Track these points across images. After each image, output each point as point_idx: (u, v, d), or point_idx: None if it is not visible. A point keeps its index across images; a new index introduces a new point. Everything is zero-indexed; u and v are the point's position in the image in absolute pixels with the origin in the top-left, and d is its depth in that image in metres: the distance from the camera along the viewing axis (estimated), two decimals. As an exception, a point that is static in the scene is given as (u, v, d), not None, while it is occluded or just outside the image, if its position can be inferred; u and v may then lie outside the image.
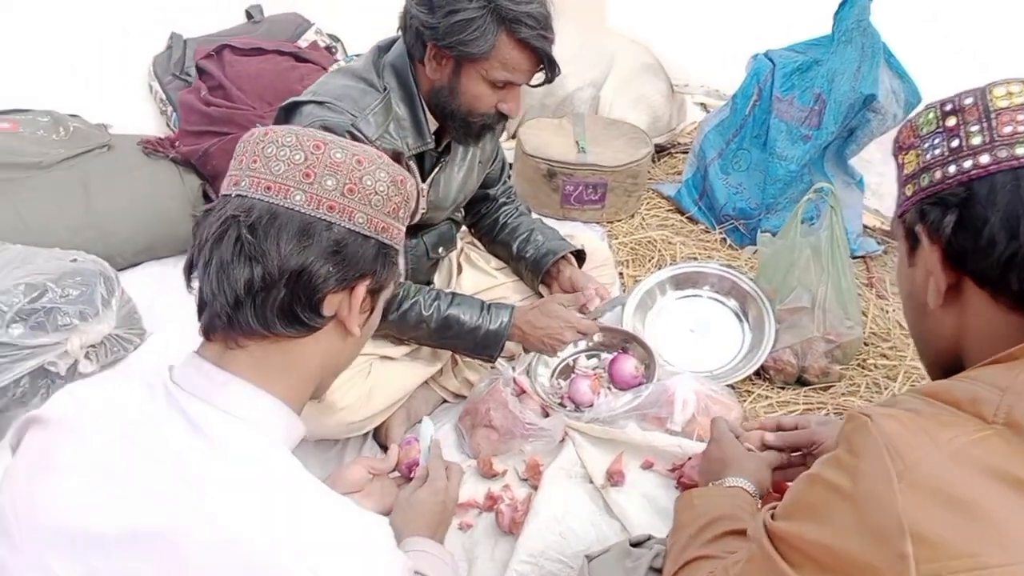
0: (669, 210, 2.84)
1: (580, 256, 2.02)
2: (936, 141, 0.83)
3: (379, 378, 1.75)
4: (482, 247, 2.14)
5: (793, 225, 2.00)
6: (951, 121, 0.82)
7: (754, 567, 0.83)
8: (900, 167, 0.89)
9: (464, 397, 1.95)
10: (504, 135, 3.03)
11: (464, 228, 2.20)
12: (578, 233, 2.26)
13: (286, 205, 0.85)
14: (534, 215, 2.13)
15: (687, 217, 2.78)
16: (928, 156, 0.83)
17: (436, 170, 1.74)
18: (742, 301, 2.12)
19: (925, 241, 0.84)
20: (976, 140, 0.79)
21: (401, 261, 1.00)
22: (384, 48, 1.68)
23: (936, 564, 0.67)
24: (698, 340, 2.09)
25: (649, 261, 2.51)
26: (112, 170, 2.62)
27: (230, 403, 0.84)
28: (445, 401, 2.00)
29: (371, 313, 0.96)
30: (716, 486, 1.25)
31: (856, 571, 0.72)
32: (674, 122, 3.32)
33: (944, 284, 0.83)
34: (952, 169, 0.80)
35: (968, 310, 0.83)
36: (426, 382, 1.93)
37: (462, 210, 2.05)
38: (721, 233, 2.67)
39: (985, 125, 0.79)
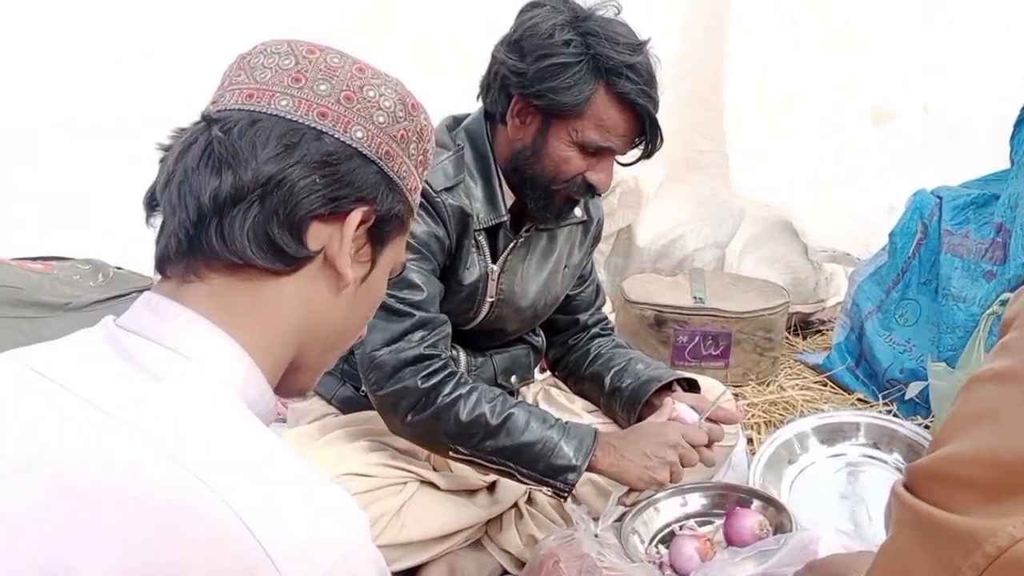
0: (817, 381, 2.73)
1: (691, 390, 1.90)
2: None
3: (416, 502, 1.63)
4: (567, 388, 2.06)
5: (975, 350, 1.87)
6: None
7: (899, 545, 0.67)
8: None
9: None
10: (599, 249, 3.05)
11: (545, 371, 2.16)
12: (693, 376, 2.16)
13: (269, 111, 0.84)
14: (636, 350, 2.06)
15: (840, 387, 2.66)
16: None
17: (509, 252, 1.74)
18: (910, 455, 1.93)
19: None
20: None
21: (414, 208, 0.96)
22: (459, 119, 1.77)
23: None
24: (852, 508, 1.89)
25: (789, 425, 2.36)
26: (146, 316, 2.77)
27: (174, 338, 0.79)
28: (506, 574, 1.83)
29: (372, 267, 0.91)
30: None
31: None
32: (821, 292, 3.27)
33: None
34: None
35: None
36: (479, 540, 1.80)
37: (542, 334, 2.02)
38: (886, 403, 2.51)
39: None
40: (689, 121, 3.65)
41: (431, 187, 1.56)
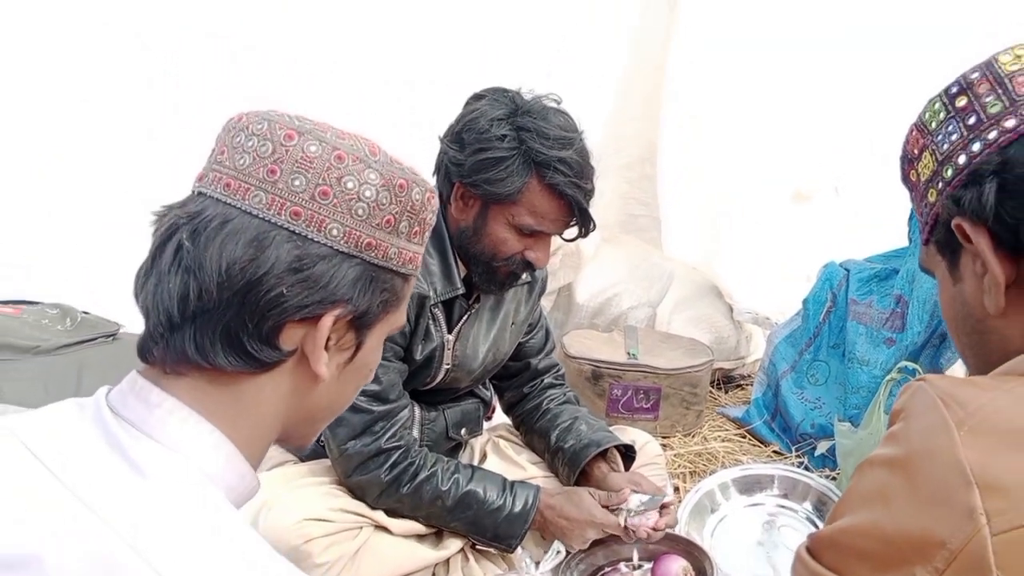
0: (737, 433, 2.79)
1: (628, 457, 1.97)
2: (950, 128, 0.83)
3: (371, 545, 1.66)
4: (518, 438, 2.11)
5: (876, 412, 1.96)
6: (961, 101, 0.82)
7: None
8: (914, 185, 0.88)
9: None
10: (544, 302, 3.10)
11: (492, 419, 2.20)
12: (623, 429, 2.22)
13: (242, 207, 0.79)
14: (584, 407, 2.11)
15: (758, 440, 2.73)
16: (945, 146, 0.83)
17: (463, 321, 1.79)
18: (819, 506, 2.01)
19: (969, 231, 0.80)
20: (995, 108, 0.79)
21: (410, 288, 0.92)
22: None
23: (1014, 515, 0.59)
24: (768, 554, 1.96)
25: (711, 476, 2.43)
26: (111, 360, 2.75)
27: (158, 428, 0.78)
28: (452, 612, 1.86)
29: (356, 351, 0.87)
30: None
31: (914, 553, 0.64)
32: (742, 350, 3.37)
33: (1003, 276, 0.79)
34: (977, 146, 0.79)
35: None
36: (431, 578, 1.83)
37: (491, 387, 2.07)
38: (798, 456, 2.59)
39: (1001, 91, 0.79)
40: (625, 189, 3.76)
41: None
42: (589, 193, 1.65)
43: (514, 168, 1.58)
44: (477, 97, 1.68)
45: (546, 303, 3.37)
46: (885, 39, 2.75)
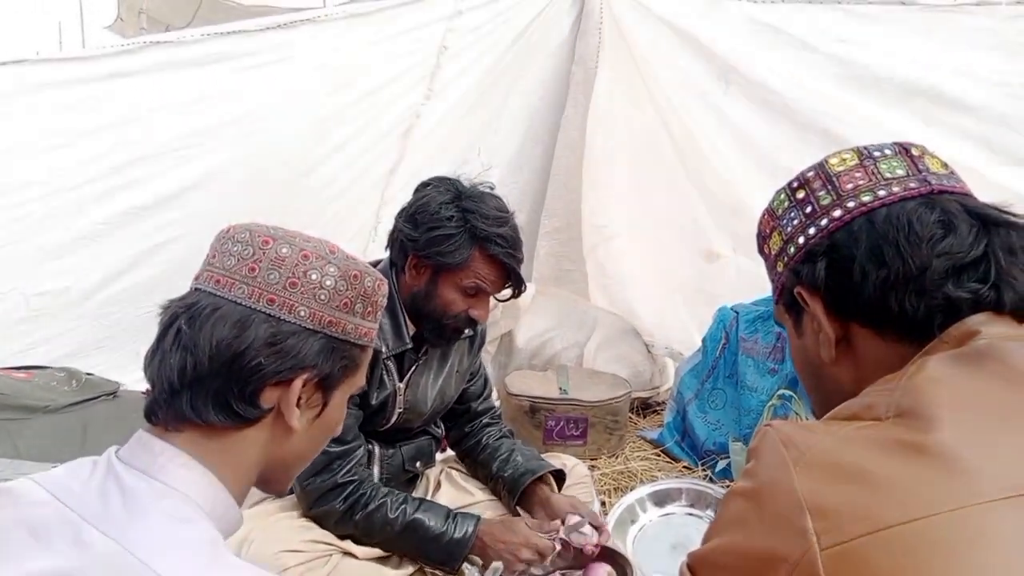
0: (654, 452, 2.81)
1: (560, 479, 1.98)
2: (792, 215, 0.89)
3: (340, 569, 1.64)
4: (464, 469, 2.10)
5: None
6: (800, 194, 0.89)
7: None
8: (767, 256, 0.94)
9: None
10: (486, 349, 3.10)
11: (446, 450, 2.20)
12: (557, 455, 2.23)
13: (229, 297, 0.86)
14: (518, 440, 2.13)
15: (671, 458, 2.75)
16: (788, 229, 0.89)
17: (412, 371, 1.81)
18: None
19: (807, 298, 0.86)
20: (826, 200, 0.86)
21: (367, 358, 0.98)
22: (372, 264, 1.85)
23: (836, 533, 0.63)
24: (680, 557, 1.97)
25: (631, 492, 2.45)
26: (113, 416, 2.68)
27: (160, 471, 0.83)
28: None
29: (323, 408, 0.93)
30: None
31: (764, 567, 0.67)
32: (656, 380, 3.41)
33: (833, 334, 0.85)
34: (812, 230, 0.86)
35: (860, 357, 0.84)
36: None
37: (442, 425, 2.08)
38: (704, 469, 2.62)
39: (830, 187, 0.86)
40: (557, 248, 3.82)
41: None
42: (520, 261, 1.72)
43: (461, 242, 1.64)
44: (424, 184, 1.75)
45: (490, 348, 3.39)
46: (781, 129, 2.83)
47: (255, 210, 2.84)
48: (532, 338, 3.40)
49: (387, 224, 3.00)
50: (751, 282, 2.91)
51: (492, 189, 1.76)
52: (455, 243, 1.64)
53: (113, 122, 2.49)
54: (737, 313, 2.74)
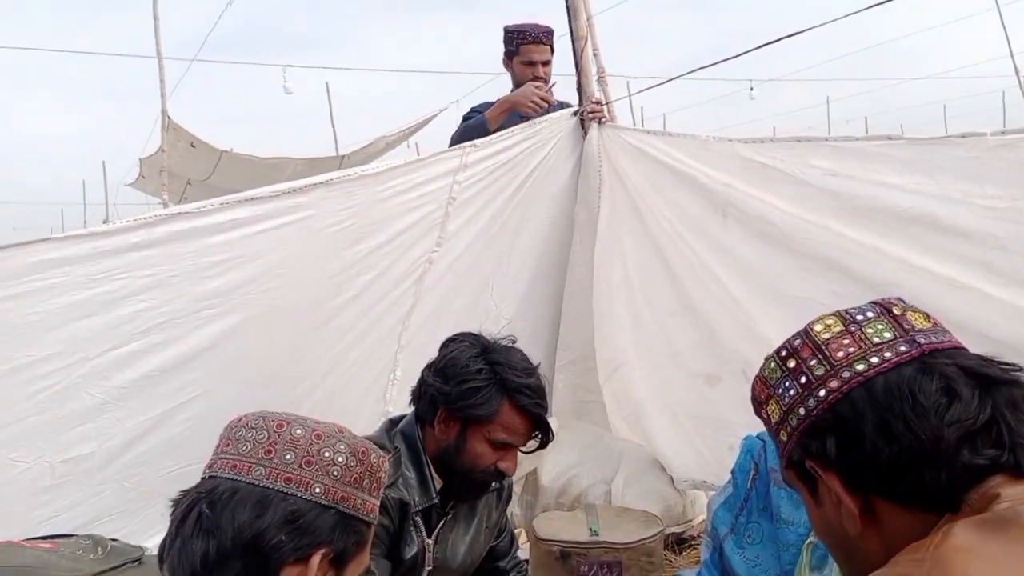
0: (692, 593, 2.69)
1: None
2: (787, 384, 0.89)
3: None
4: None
5: (803, 571, 1.92)
6: (791, 363, 0.89)
7: None
8: (766, 421, 0.94)
9: None
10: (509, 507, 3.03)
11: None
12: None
13: (247, 480, 0.90)
14: None
15: (711, 598, 2.62)
16: (786, 399, 0.89)
17: (441, 526, 1.78)
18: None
19: (821, 473, 0.85)
20: (819, 371, 0.86)
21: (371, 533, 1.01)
22: (395, 421, 1.86)
23: None
24: None
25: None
26: (136, 583, 2.63)
27: None
28: None
29: None
30: None
31: None
32: (688, 513, 3.31)
33: (855, 507, 0.83)
34: (812, 402, 0.86)
35: (886, 527, 0.83)
36: None
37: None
38: (748, 610, 2.50)
39: (820, 356, 0.86)
40: (573, 380, 3.82)
41: None
42: (547, 411, 1.76)
43: (491, 394, 1.68)
44: (450, 340, 1.81)
45: (516, 488, 3.33)
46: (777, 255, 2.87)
47: (275, 363, 2.90)
48: (557, 476, 3.34)
49: (404, 368, 3.00)
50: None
51: (514, 342, 1.80)
52: (485, 395, 1.67)
53: (135, 291, 2.57)
54: (764, 442, 2.68)
